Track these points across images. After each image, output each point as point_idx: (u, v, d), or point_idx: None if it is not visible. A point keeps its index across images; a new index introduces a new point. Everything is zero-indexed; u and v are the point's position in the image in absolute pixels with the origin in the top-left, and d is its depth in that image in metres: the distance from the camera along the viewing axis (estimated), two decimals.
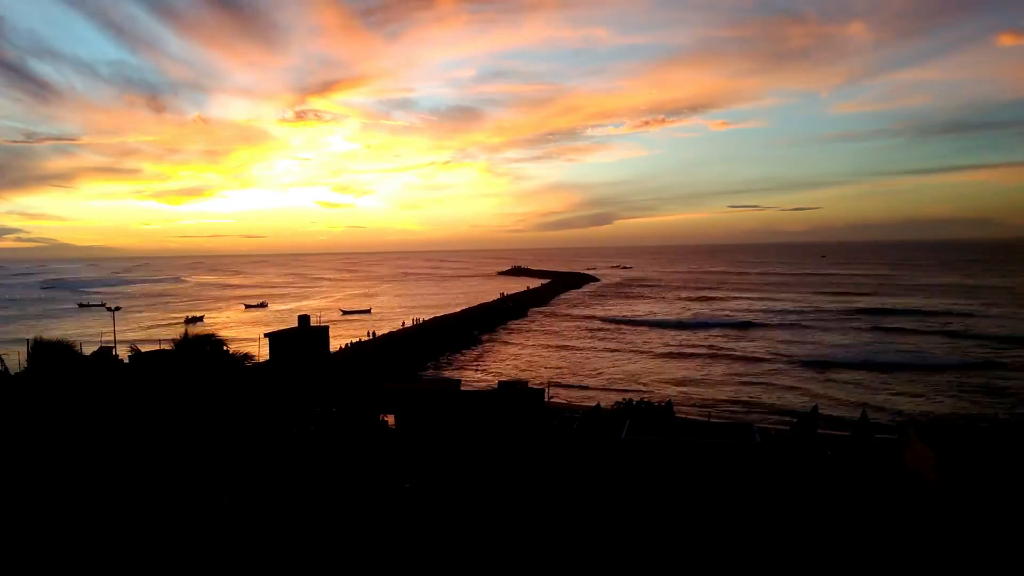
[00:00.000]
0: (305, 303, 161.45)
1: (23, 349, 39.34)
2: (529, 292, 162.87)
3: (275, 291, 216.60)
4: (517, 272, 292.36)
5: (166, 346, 42.27)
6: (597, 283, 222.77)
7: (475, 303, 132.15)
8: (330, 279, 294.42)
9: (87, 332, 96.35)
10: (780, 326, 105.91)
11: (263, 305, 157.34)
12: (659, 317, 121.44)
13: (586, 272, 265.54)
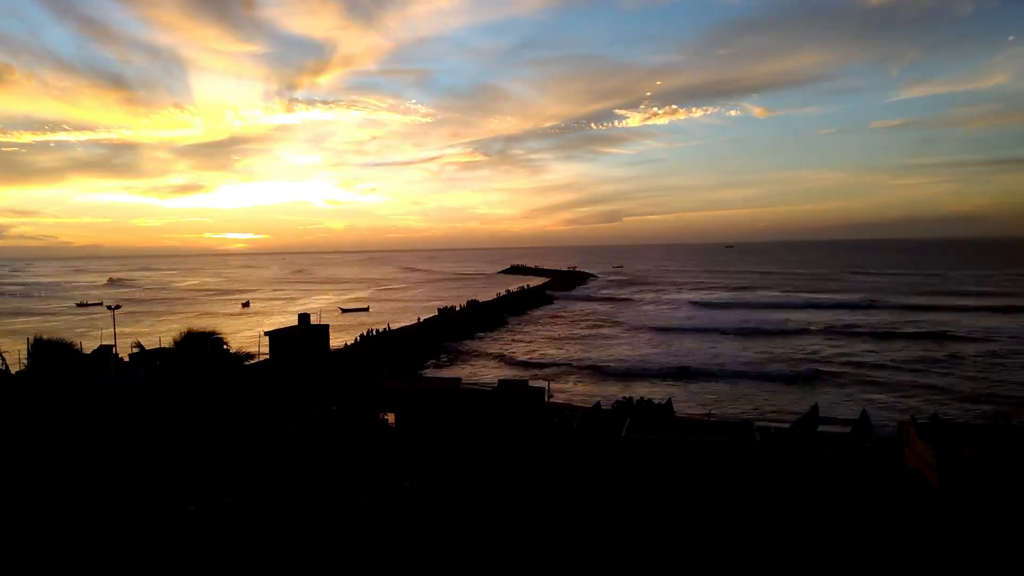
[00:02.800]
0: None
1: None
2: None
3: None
4: (515, 271, 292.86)
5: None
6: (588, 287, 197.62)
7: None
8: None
9: None
10: None
11: (246, 304, 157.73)
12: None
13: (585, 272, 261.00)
